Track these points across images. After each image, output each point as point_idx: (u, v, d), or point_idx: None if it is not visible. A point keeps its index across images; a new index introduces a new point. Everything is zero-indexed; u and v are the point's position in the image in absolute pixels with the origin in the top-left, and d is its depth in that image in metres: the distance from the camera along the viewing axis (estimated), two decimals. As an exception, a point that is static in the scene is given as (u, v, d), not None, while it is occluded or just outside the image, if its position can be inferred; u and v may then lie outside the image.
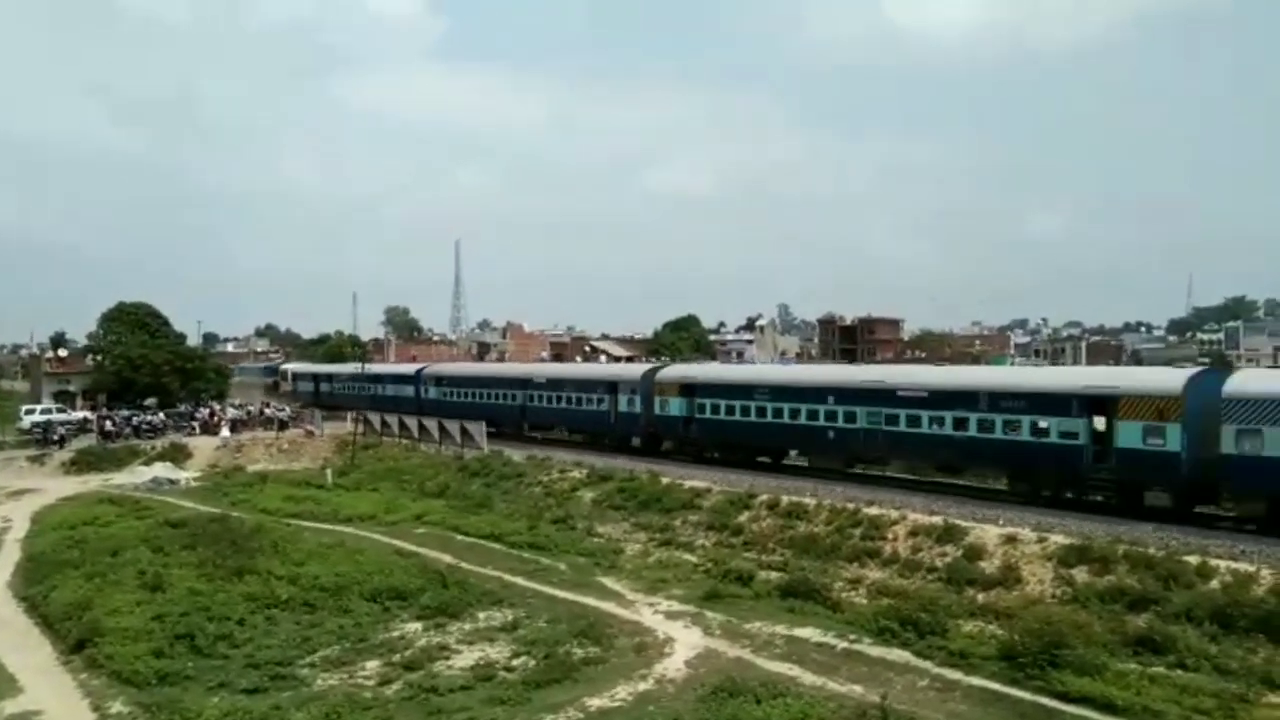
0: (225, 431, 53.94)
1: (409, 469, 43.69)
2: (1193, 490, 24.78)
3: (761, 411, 35.41)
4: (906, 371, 40.42)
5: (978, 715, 15.11)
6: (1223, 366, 50.89)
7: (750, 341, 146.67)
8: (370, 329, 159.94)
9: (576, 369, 60.92)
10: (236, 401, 66.33)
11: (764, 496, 29.42)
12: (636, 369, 46.84)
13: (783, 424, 34.72)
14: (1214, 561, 19.89)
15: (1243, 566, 19.42)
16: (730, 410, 36.75)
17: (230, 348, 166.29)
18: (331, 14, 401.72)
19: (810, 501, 28.20)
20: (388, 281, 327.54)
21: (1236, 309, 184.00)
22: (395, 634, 20.05)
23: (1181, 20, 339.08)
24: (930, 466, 32.96)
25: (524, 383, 49.67)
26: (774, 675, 16.85)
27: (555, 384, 47.60)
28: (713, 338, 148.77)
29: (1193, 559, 20.11)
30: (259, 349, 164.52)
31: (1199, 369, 30.77)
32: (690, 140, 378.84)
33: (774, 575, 23.79)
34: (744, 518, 28.59)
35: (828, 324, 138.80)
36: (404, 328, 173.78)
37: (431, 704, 16.02)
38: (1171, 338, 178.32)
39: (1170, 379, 25.83)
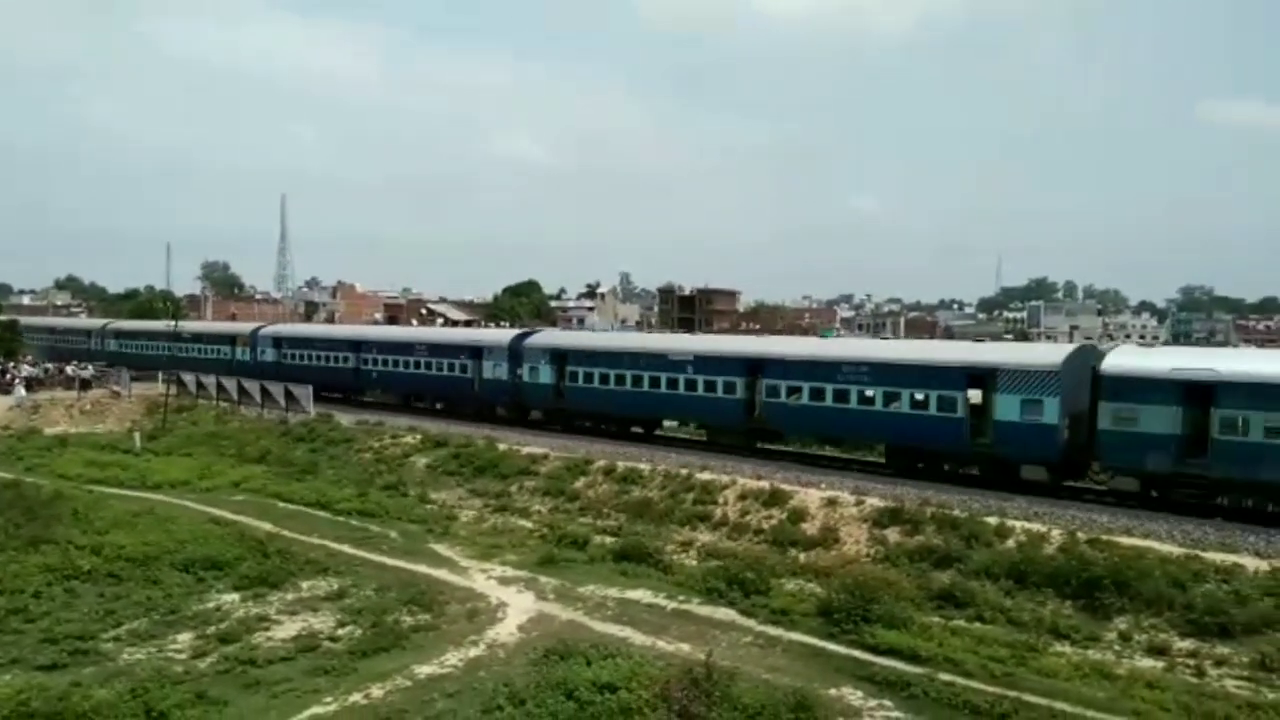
0: (20, 391, 49.48)
1: (227, 433, 41.43)
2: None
3: None
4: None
5: (796, 669, 15.83)
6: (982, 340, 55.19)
7: (591, 309, 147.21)
8: (187, 284, 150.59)
9: (883, 347, 36.12)
10: (30, 358, 60.96)
11: (600, 462, 29.67)
12: (1028, 353, 30.56)
13: None
14: (1011, 522, 21.54)
15: (1036, 527, 21.15)
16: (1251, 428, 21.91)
17: (27, 300, 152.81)
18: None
19: (645, 467, 28.64)
20: (206, 237, 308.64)
21: (1039, 290, 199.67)
22: (210, 605, 19.11)
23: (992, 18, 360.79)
24: None
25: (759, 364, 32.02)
26: (605, 637, 17.10)
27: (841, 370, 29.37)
28: (554, 304, 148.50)
29: (992, 520, 21.72)
30: (59, 302, 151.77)
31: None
32: (531, 107, 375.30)
33: (609, 540, 24.08)
34: (580, 483, 28.76)
35: (667, 293, 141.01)
36: (223, 284, 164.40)
37: (249, 676, 15.40)
38: (981, 315, 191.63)
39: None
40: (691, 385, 33.48)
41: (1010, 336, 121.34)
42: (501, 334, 46.15)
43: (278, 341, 53.65)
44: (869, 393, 28.61)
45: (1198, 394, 23.10)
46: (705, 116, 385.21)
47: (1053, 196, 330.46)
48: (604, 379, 36.30)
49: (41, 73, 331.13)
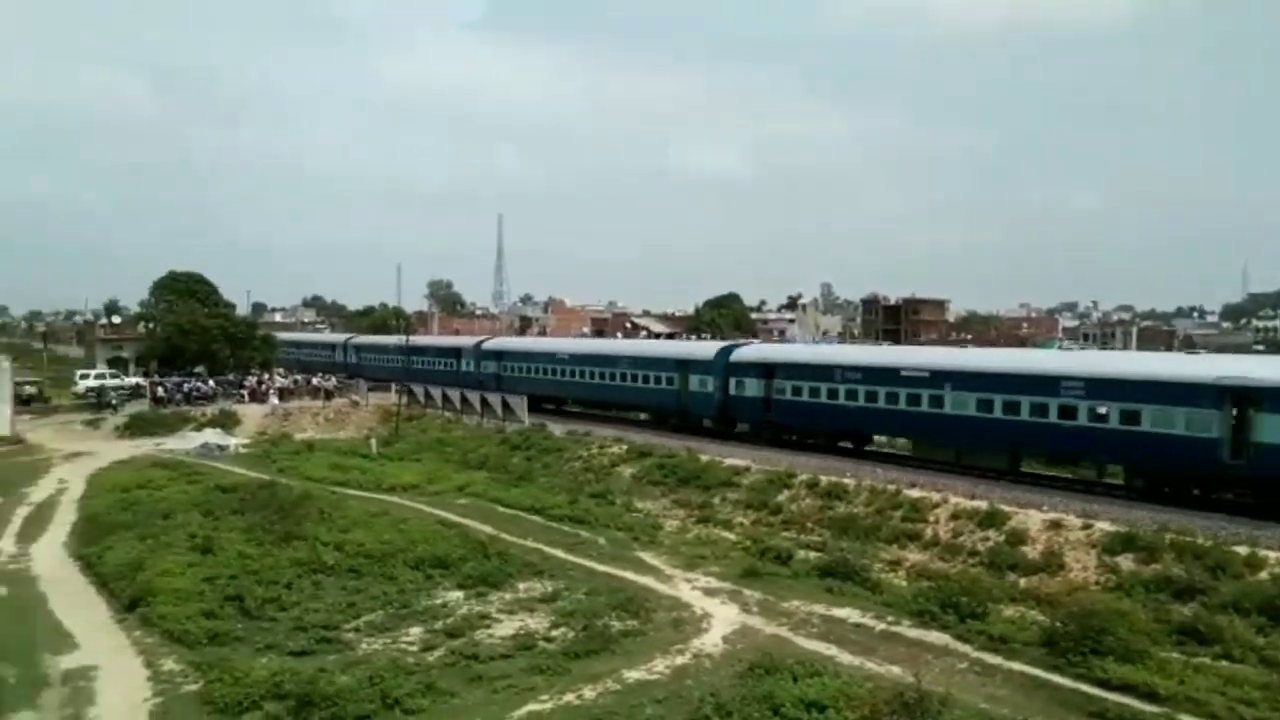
0: (273, 399, 54.89)
1: (452, 440, 44.18)
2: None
3: None
4: None
5: (1017, 700, 15.00)
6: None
7: (792, 320, 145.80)
8: (413, 301, 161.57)
9: None
10: (283, 370, 67.35)
11: (803, 476, 29.36)
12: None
13: None
14: (1264, 552, 19.56)
15: (1294, 558, 19.05)
16: None
17: (278, 317, 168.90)
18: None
19: (850, 482, 28.10)
20: (427, 253, 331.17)
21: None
22: (438, 601, 20.33)
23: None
24: None
25: None
26: (811, 654, 16.86)
27: None
28: (754, 316, 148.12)
29: (1242, 549, 19.80)
30: (306, 319, 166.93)
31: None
32: (720, 117, 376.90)
33: (812, 555, 23.77)
34: (783, 497, 28.58)
35: (871, 304, 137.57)
36: (446, 301, 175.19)
37: (473, 670, 16.26)
38: (1225, 324, 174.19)
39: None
40: None
41: (1261, 348, 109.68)
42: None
43: (770, 369, 38.38)
44: None
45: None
46: (899, 115, 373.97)
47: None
48: None
49: (281, 105, 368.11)
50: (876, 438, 37.88)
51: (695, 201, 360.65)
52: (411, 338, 70.47)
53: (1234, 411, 24.51)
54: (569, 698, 15.17)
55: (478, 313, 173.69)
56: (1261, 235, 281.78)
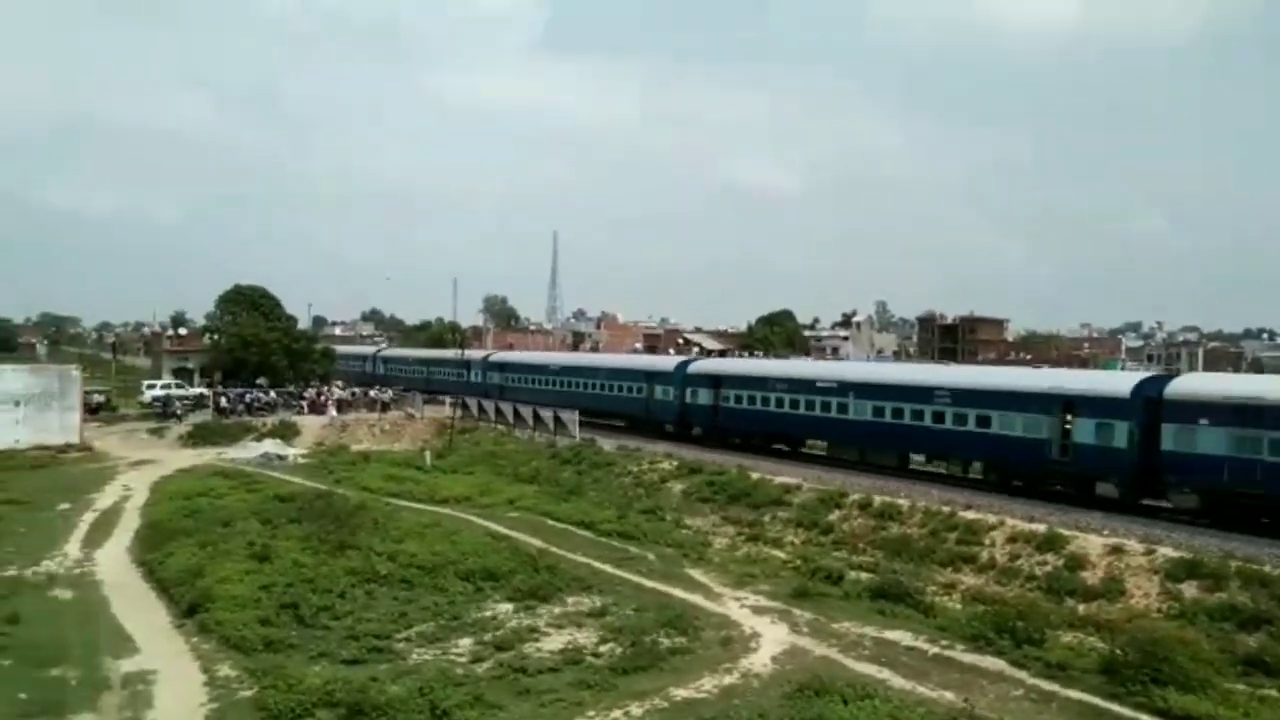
0: (331, 411, 55.83)
1: (504, 454, 44.52)
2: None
3: None
4: None
5: (1074, 729, 14.63)
6: None
7: (846, 338, 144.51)
8: (469, 316, 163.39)
9: None
10: (341, 383, 68.55)
11: (856, 496, 29.04)
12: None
13: None
14: (1338, 583, 18.83)
15: (1370, 590, 18.33)
16: None
17: (338, 331, 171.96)
18: (431, 8, 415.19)
19: (904, 503, 27.73)
20: (484, 268, 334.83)
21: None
22: (487, 614, 20.44)
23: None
24: None
25: None
26: (862, 676, 16.61)
27: None
28: (807, 333, 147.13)
29: (1314, 579, 19.08)
30: (364, 333, 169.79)
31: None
32: (768, 131, 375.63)
33: (864, 576, 23.48)
34: (834, 516, 28.29)
35: (927, 322, 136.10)
36: (501, 316, 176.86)
37: (521, 684, 16.29)
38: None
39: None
40: None
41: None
42: None
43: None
44: None
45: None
46: (952, 128, 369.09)
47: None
48: None
49: (341, 123, 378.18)
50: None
51: (752, 216, 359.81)
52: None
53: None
54: (616, 714, 15.12)
55: (531, 328, 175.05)
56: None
